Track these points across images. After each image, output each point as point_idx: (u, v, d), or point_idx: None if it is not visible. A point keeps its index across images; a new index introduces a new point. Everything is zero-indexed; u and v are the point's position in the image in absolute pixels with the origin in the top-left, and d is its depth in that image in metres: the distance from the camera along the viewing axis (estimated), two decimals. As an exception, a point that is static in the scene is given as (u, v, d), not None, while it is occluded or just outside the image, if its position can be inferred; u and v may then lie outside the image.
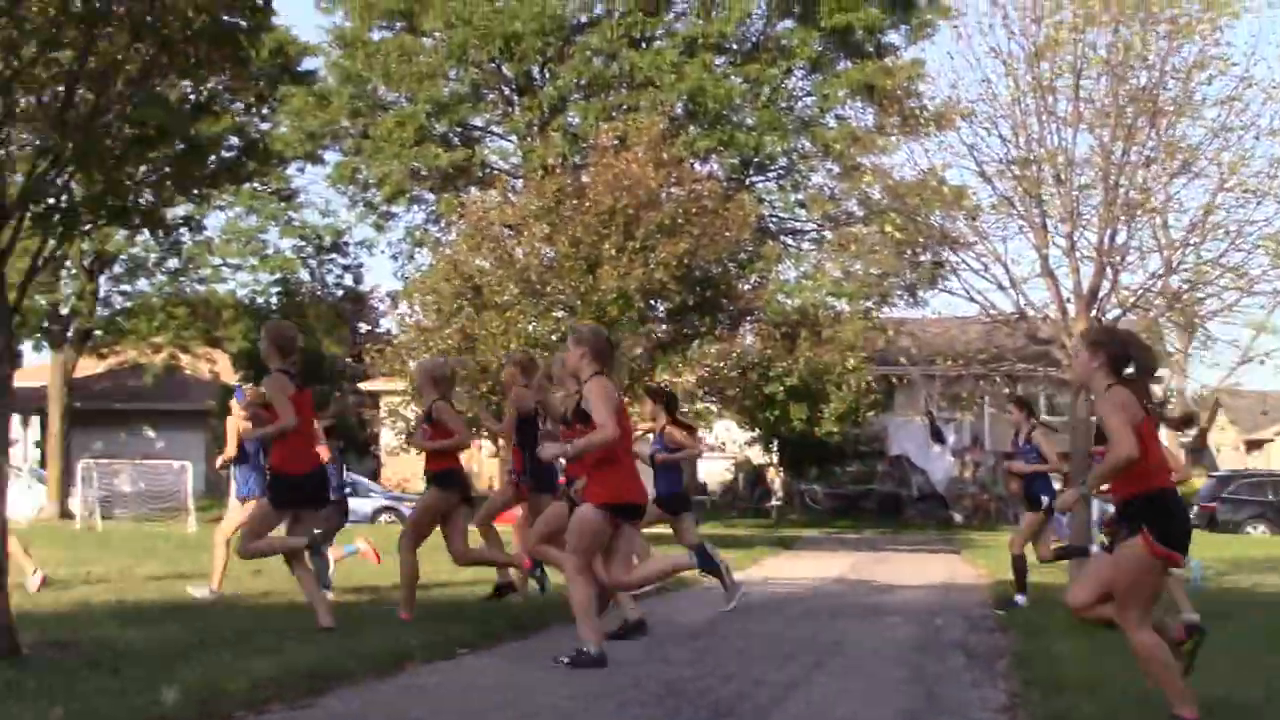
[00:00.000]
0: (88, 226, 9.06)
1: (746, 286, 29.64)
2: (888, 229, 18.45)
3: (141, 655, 8.32)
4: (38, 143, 9.13)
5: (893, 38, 40.84)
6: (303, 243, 47.16)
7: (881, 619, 13.01)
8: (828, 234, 40.02)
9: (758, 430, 43.13)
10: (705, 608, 12.92)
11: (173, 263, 45.35)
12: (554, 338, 25.32)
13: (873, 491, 48.61)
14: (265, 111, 37.35)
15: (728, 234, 26.85)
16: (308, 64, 42.77)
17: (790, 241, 42.78)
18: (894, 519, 45.79)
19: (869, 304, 35.14)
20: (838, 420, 34.52)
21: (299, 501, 10.27)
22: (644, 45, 38.99)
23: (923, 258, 19.52)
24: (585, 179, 28.35)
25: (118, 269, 45.03)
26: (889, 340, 30.17)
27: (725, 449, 57.83)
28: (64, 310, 43.42)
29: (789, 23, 40.55)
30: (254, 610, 11.62)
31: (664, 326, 27.60)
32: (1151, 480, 6.64)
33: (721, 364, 26.51)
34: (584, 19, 40.16)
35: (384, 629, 10.06)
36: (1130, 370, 6.82)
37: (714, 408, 29.64)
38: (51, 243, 8.66)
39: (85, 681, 7.39)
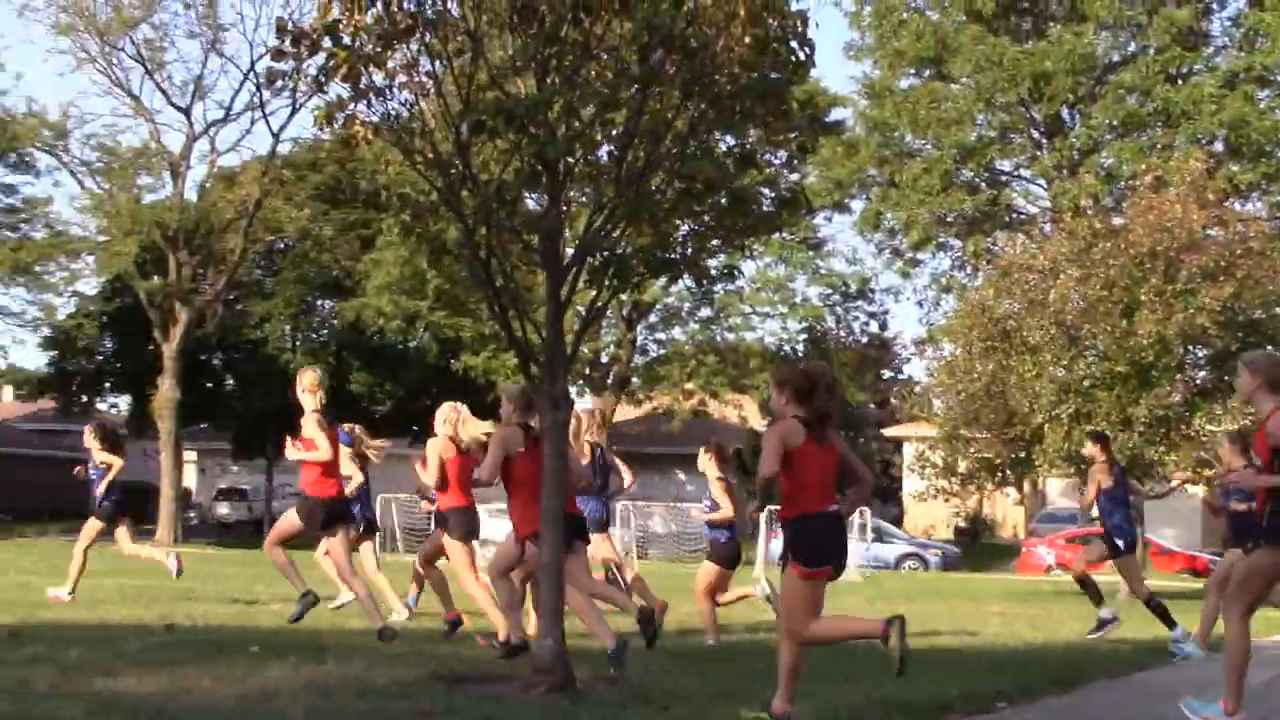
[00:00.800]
0: (637, 278, 9.42)
1: (1295, 332, 27.84)
2: None
3: (688, 694, 8.54)
4: (584, 198, 9.62)
5: None
6: (829, 290, 47.75)
7: None
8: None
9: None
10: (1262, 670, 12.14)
11: (705, 311, 46.85)
12: (1086, 384, 24.60)
13: None
14: (794, 161, 38.14)
15: (1276, 276, 25.34)
16: (835, 114, 43.43)
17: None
18: None
19: None
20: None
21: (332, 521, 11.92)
22: (1180, 81, 37.49)
23: None
24: (1118, 220, 27.44)
25: (653, 318, 46.93)
26: None
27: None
28: (604, 357, 45.58)
29: (1343, 50, 38.03)
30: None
31: (1203, 373, 26.31)
32: (799, 506, 7.41)
33: (1268, 413, 24.97)
34: (1116, 57, 39.02)
35: (919, 675, 9.93)
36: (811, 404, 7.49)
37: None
38: (605, 294, 9.07)
39: (635, 716, 7.64)
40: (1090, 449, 14.21)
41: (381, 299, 44.86)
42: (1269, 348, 26.51)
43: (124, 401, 57.03)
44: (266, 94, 44.52)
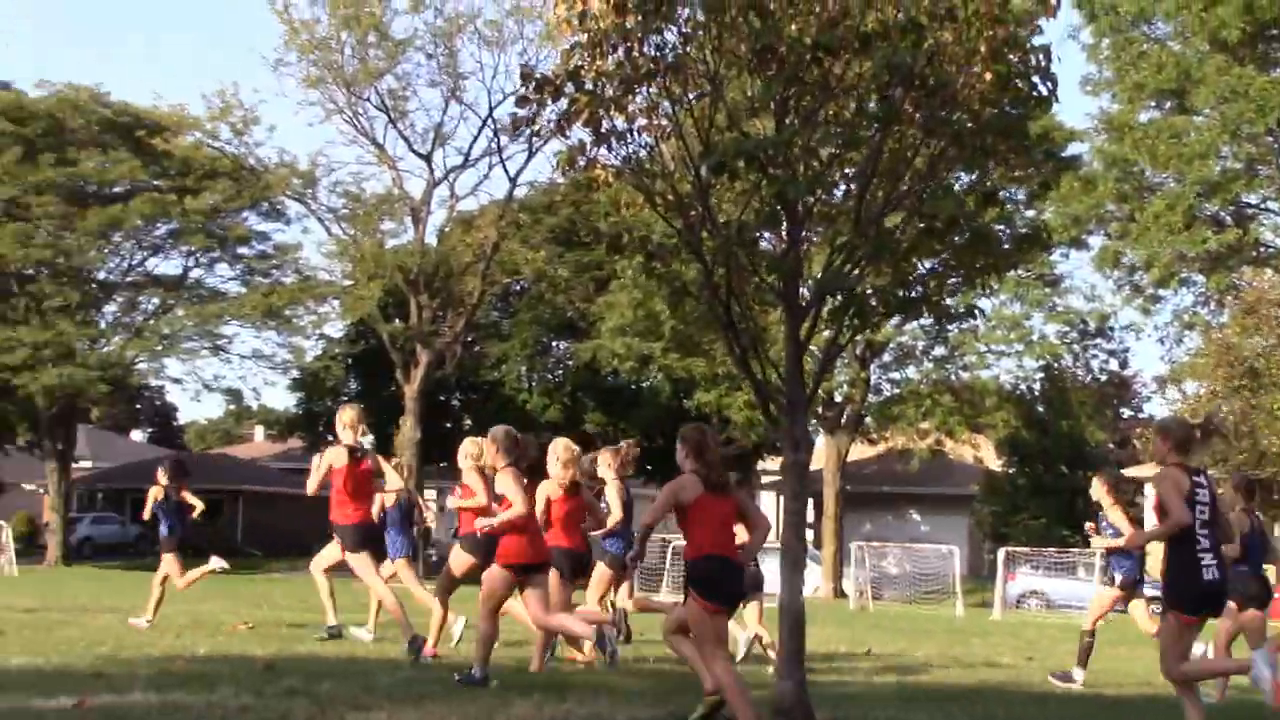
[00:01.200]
0: (877, 318, 9.36)
1: None
2: None
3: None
4: (815, 237, 9.59)
5: None
6: (1067, 328, 46.73)
7: None
8: None
9: None
10: None
11: (939, 350, 46.28)
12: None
13: None
14: (1034, 198, 37.54)
15: None
16: (1071, 149, 42.65)
17: None
18: None
19: None
20: None
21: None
22: None
23: None
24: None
25: (886, 357, 46.54)
26: None
27: None
28: (838, 397, 45.33)
29: None
30: (1035, 696, 11.48)
31: None
32: (700, 549, 8.19)
33: None
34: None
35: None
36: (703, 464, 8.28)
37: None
38: (845, 334, 9.03)
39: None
40: (1099, 489, 13.65)
41: (615, 342, 45.36)
42: None
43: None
44: (504, 139, 45.61)
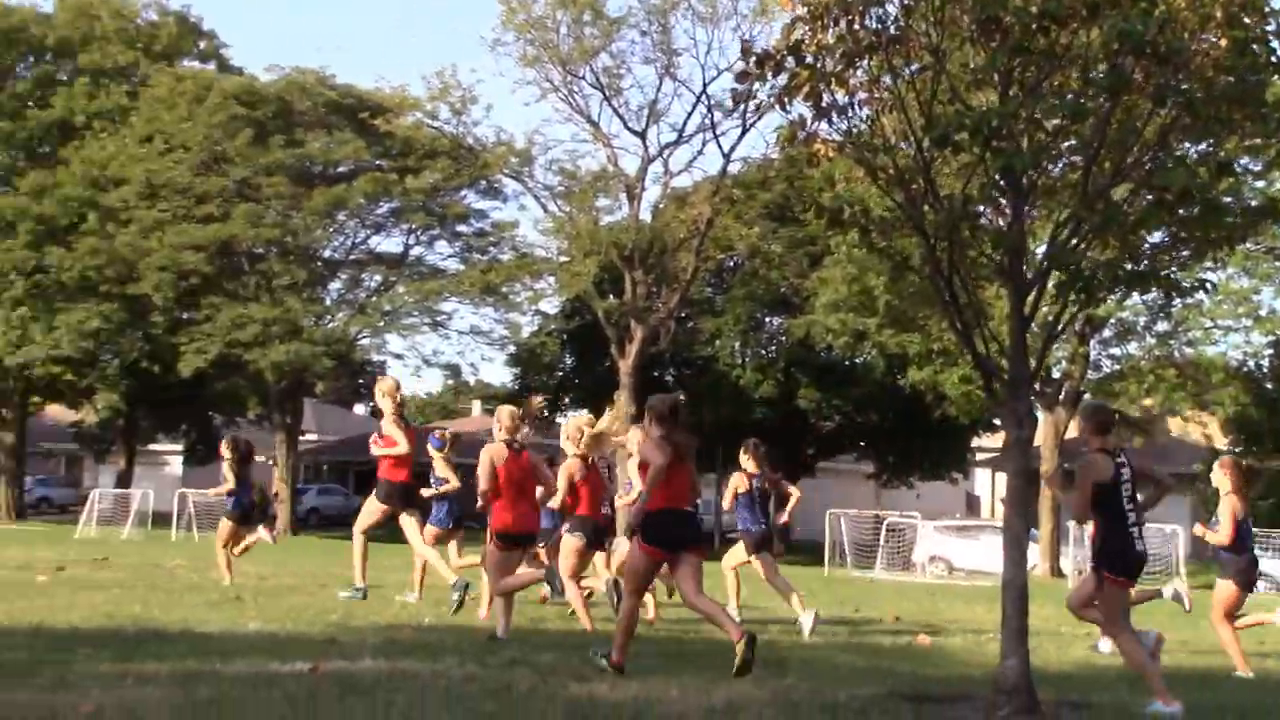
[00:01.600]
0: (1104, 293, 9.15)
1: None
2: None
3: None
4: (1034, 211, 9.38)
5: None
6: (1304, 304, 45.03)
7: None
8: None
9: None
10: None
11: (1162, 325, 45.07)
12: None
13: None
14: (1272, 168, 36.18)
15: None
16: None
17: None
18: None
19: None
20: None
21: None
22: None
23: None
24: None
25: (1107, 332, 45.48)
26: None
27: None
28: (1056, 373, 44.46)
29: None
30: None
31: None
32: (654, 502, 9.28)
33: None
34: None
35: None
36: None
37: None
38: (1070, 309, 8.85)
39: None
40: (1219, 475, 12.88)
41: (829, 318, 45.10)
42: None
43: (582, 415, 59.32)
44: (718, 115, 45.58)
